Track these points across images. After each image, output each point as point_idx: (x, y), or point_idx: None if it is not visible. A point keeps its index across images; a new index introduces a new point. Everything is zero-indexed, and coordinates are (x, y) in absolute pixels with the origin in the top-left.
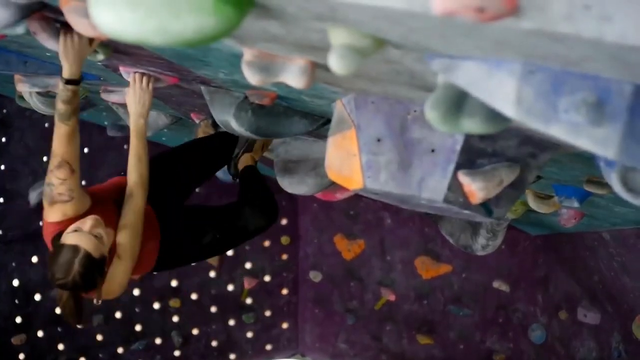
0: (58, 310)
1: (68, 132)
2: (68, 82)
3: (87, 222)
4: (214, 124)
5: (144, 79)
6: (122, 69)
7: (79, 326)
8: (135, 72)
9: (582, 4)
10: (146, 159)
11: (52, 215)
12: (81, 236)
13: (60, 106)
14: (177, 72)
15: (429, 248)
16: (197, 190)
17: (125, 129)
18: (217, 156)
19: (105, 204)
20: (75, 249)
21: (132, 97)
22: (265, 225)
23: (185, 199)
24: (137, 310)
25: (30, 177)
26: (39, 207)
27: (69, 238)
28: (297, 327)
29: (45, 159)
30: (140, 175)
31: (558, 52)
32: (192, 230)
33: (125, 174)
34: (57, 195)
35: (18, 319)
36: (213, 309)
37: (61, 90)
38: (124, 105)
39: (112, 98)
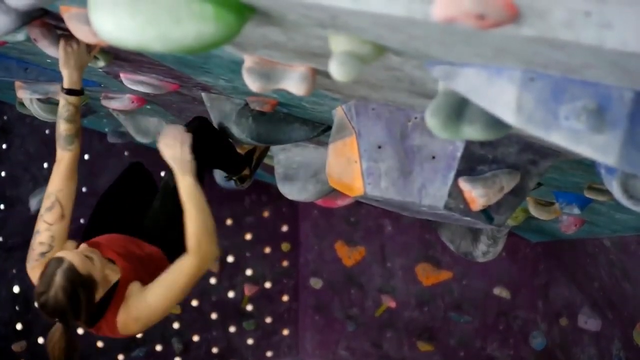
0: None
1: (69, 163)
2: (69, 92)
3: (81, 246)
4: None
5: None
6: (122, 76)
7: None
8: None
9: (582, 11)
10: (206, 225)
11: (33, 276)
12: (69, 252)
13: (63, 127)
14: (177, 79)
15: (429, 255)
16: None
17: (125, 135)
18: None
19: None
20: (59, 260)
21: (170, 152)
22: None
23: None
24: None
25: (30, 184)
26: None
27: (58, 254)
28: (298, 333)
29: (46, 165)
30: (199, 241)
31: (558, 59)
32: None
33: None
34: (37, 247)
35: (18, 326)
36: (213, 316)
37: (62, 106)
38: (124, 112)
39: (112, 105)
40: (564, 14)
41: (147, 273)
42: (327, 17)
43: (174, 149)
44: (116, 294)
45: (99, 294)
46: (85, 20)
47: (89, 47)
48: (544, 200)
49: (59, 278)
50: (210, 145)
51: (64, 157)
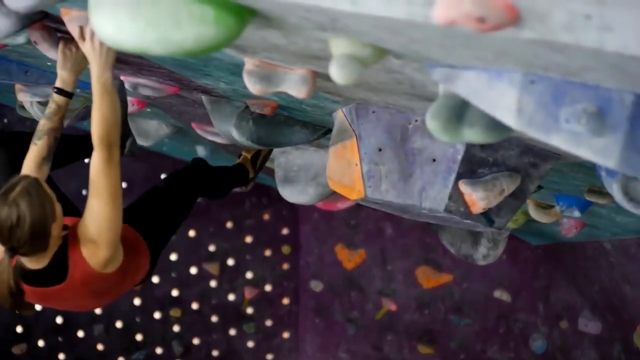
0: (59, 320)
1: (32, 156)
2: (59, 91)
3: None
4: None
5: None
6: (122, 79)
7: (17, 312)
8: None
9: (582, 14)
10: (112, 115)
11: None
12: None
13: (40, 122)
14: (177, 82)
15: (429, 258)
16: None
17: None
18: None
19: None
20: (25, 176)
21: (90, 49)
22: (191, 182)
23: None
24: (137, 319)
25: None
26: None
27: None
28: (298, 336)
29: None
30: (101, 134)
31: (559, 62)
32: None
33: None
34: None
35: (19, 329)
36: (214, 319)
37: (49, 102)
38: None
39: None
40: (565, 16)
41: None
42: (327, 19)
43: (92, 42)
44: (70, 241)
45: (53, 241)
46: (86, 22)
47: None
48: (545, 203)
49: (20, 187)
50: (215, 181)
51: (30, 149)
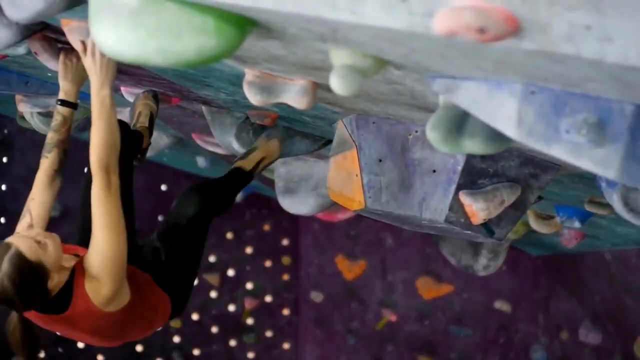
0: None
1: (44, 169)
2: (62, 103)
3: (34, 229)
4: (155, 97)
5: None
6: (123, 89)
7: None
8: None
9: (583, 24)
10: (109, 137)
11: None
12: (18, 237)
13: (48, 135)
14: (178, 93)
15: (430, 268)
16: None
17: None
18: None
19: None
20: (7, 246)
21: (90, 62)
22: (196, 209)
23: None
24: None
25: None
26: None
27: (7, 239)
28: (298, 347)
29: None
30: (99, 158)
31: (559, 72)
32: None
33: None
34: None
35: None
36: (214, 330)
37: (54, 115)
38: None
39: None
40: (565, 27)
41: None
42: (328, 30)
43: (93, 55)
44: (76, 273)
45: (54, 280)
46: (86, 33)
47: None
48: (545, 214)
49: (5, 265)
50: (222, 201)
51: (41, 164)
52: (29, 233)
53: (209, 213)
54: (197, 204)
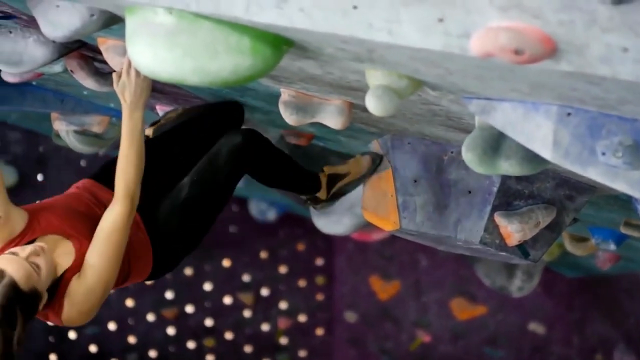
0: (93, 349)
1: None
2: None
3: (27, 249)
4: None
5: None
6: (159, 108)
7: None
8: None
9: (619, 46)
10: (139, 164)
11: None
12: (12, 260)
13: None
14: None
15: (464, 289)
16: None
17: None
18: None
19: (65, 216)
20: (0, 273)
21: (125, 82)
22: (241, 140)
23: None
24: (171, 349)
25: None
26: None
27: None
28: None
29: None
30: (127, 185)
31: (595, 94)
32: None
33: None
34: None
35: (52, 357)
36: (247, 349)
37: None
38: None
39: None
40: (602, 49)
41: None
42: (364, 50)
43: (128, 74)
44: (61, 285)
45: (44, 299)
46: (123, 51)
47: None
48: (580, 236)
49: None
50: (270, 161)
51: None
52: (22, 253)
53: (250, 157)
54: (245, 139)
